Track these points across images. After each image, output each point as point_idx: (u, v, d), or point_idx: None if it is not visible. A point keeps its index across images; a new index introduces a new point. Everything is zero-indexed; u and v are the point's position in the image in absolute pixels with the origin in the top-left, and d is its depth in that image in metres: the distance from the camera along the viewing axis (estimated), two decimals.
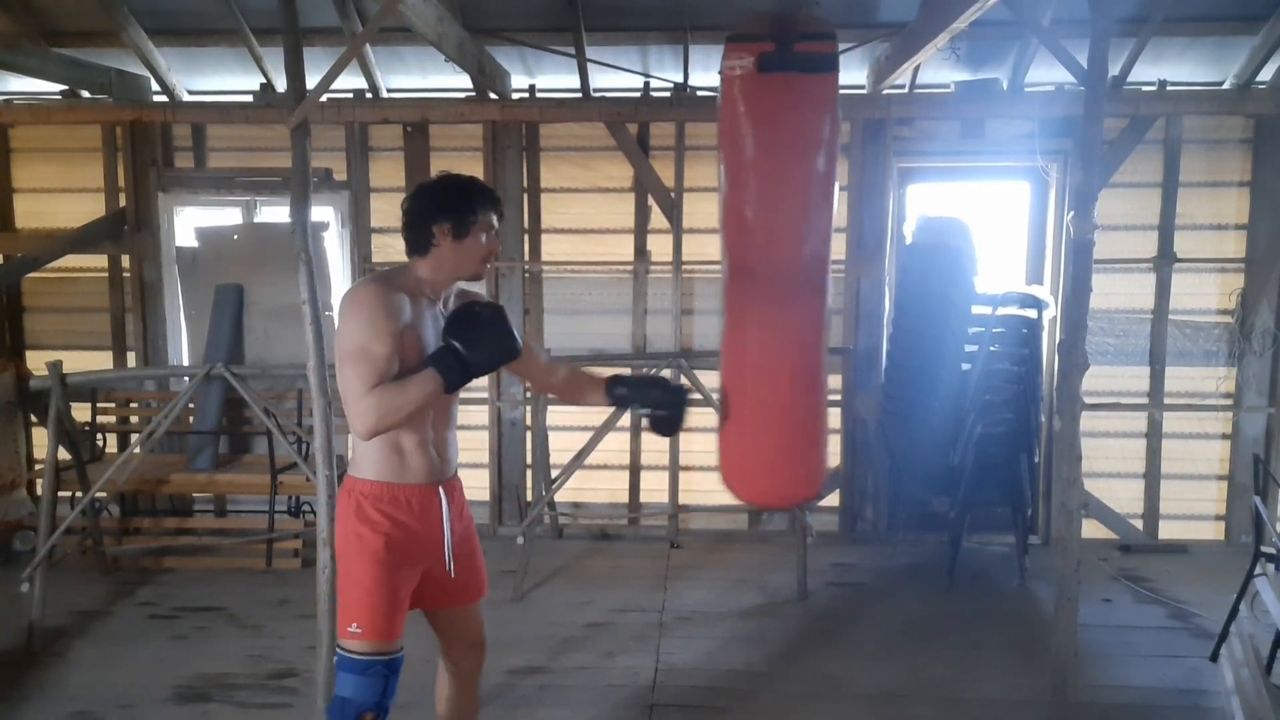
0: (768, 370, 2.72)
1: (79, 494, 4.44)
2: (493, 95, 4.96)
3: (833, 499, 5.25)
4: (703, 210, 5.11)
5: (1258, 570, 3.55)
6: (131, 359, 5.32)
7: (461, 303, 2.37)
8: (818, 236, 2.66)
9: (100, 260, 5.30)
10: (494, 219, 2.33)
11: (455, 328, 2.25)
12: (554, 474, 4.84)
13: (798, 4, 2.60)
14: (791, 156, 2.55)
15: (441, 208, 2.26)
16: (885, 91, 4.82)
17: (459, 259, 2.29)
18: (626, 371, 2.75)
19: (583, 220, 5.18)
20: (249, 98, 5.14)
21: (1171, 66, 4.79)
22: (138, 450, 4.53)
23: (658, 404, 2.61)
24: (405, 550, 2.31)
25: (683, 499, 5.22)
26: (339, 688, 2.28)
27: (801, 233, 2.62)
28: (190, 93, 5.25)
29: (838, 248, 4.97)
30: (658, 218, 5.11)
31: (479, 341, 2.23)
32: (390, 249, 5.22)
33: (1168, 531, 5.12)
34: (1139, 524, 5.13)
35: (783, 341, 2.71)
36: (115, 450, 5.03)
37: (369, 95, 5.10)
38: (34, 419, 4.95)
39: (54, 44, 4.88)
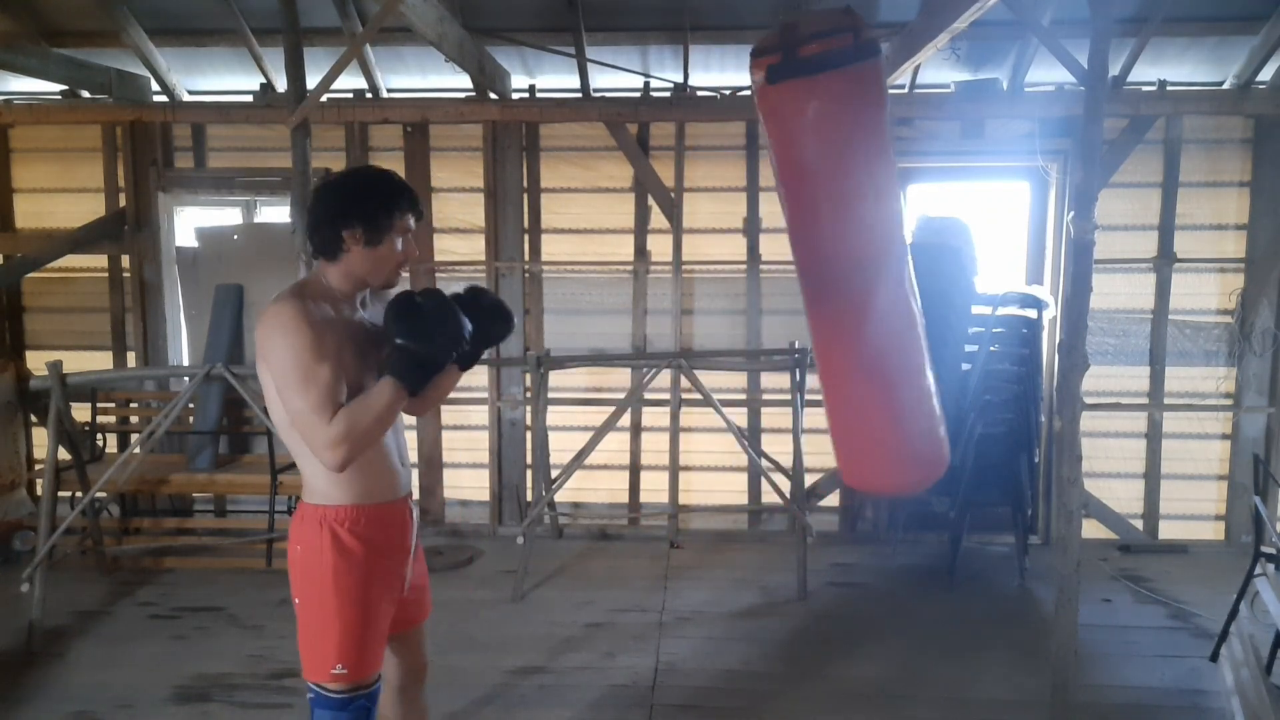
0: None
1: (79, 494, 4.44)
2: (493, 95, 4.96)
3: (833, 499, 5.25)
4: (702, 210, 5.11)
5: (1258, 570, 3.55)
6: (131, 359, 5.32)
7: (396, 295, 2.07)
8: (859, 231, 2.56)
9: (100, 260, 5.30)
10: (411, 221, 2.08)
11: (397, 324, 1.99)
12: (554, 474, 4.84)
13: (795, 5, 2.56)
14: (815, 159, 2.50)
15: (352, 210, 2.01)
16: (888, 92, 4.81)
17: (371, 266, 2.05)
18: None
19: (583, 220, 5.18)
20: (249, 98, 5.14)
21: (1171, 66, 4.79)
22: (138, 450, 4.53)
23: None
24: (385, 578, 2.15)
25: (683, 499, 5.22)
26: None
27: (834, 232, 2.55)
28: (190, 93, 5.25)
29: None
30: (658, 218, 5.11)
31: (426, 331, 1.99)
32: None
33: (1168, 531, 5.12)
34: (1139, 524, 5.13)
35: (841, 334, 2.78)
36: (115, 450, 5.03)
37: (369, 95, 5.11)
38: (34, 419, 4.96)
39: (54, 44, 4.88)
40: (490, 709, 3.34)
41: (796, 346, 4.58)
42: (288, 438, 2.10)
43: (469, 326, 2.07)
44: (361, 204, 2.02)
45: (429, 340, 2.00)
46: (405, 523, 2.21)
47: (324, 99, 3.13)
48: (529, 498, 5.23)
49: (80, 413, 4.90)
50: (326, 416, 1.94)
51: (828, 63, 2.41)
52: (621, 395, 5.01)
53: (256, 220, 5.35)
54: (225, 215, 5.40)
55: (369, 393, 1.98)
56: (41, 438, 4.42)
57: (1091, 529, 5.04)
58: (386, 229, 2.03)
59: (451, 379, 2.18)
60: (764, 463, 4.87)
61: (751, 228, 5.09)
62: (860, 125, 2.50)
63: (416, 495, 2.39)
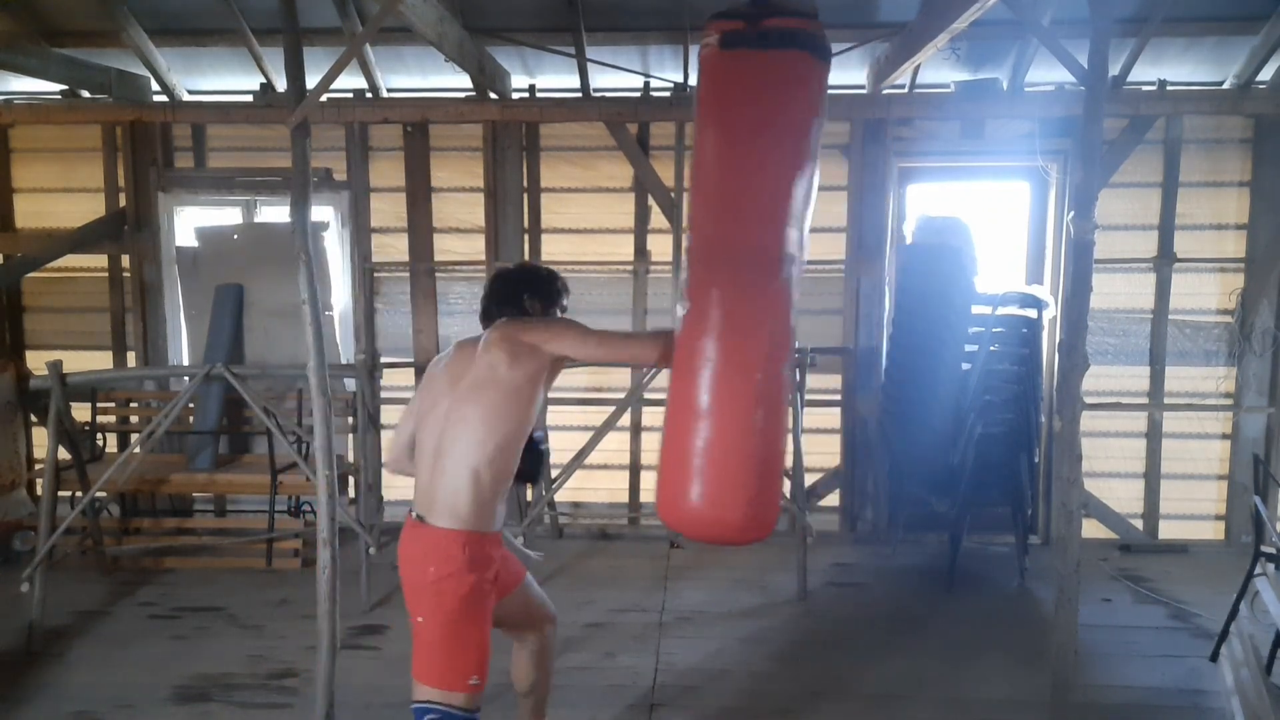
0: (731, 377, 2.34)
1: (79, 494, 4.44)
2: (493, 95, 4.96)
3: (833, 499, 5.25)
4: None
5: (1258, 570, 3.55)
6: (131, 359, 5.32)
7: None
8: (766, 221, 2.40)
9: (100, 260, 5.30)
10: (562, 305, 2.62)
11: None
12: (554, 474, 4.84)
13: None
14: (747, 134, 2.42)
15: (543, 290, 2.56)
16: (885, 91, 4.82)
17: None
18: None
19: (583, 220, 5.18)
20: (249, 98, 5.14)
21: (1171, 66, 4.79)
22: (138, 450, 4.53)
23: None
24: (489, 590, 2.40)
25: None
26: None
27: (746, 214, 2.40)
28: (190, 93, 5.24)
29: (836, 247, 5.04)
30: (658, 217, 5.11)
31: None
32: (390, 249, 5.22)
33: (1168, 531, 5.12)
34: (1139, 524, 5.13)
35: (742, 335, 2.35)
36: (115, 450, 5.02)
37: (369, 95, 5.10)
38: (34, 419, 4.96)
39: (54, 44, 4.88)
40: (490, 708, 3.31)
41: (796, 346, 4.57)
42: (464, 460, 2.32)
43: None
44: (549, 288, 2.58)
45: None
46: (502, 549, 2.52)
47: (324, 99, 3.12)
48: (529, 497, 5.23)
49: (80, 412, 4.90)
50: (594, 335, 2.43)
51: (785, 41, 2.37)
52: (621, 395, 5.01)
53: (256, 220, 5.35)
54: (225, 215, 5.40)
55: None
56: (41, 437, 4.42)
57: (1091, 529, 5.04)
58: (555, 307, 2.57)
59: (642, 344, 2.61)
60: None
61: None
62: (789, 114, 2.41)
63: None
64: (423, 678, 2.31)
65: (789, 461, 4.64)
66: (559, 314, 2.58)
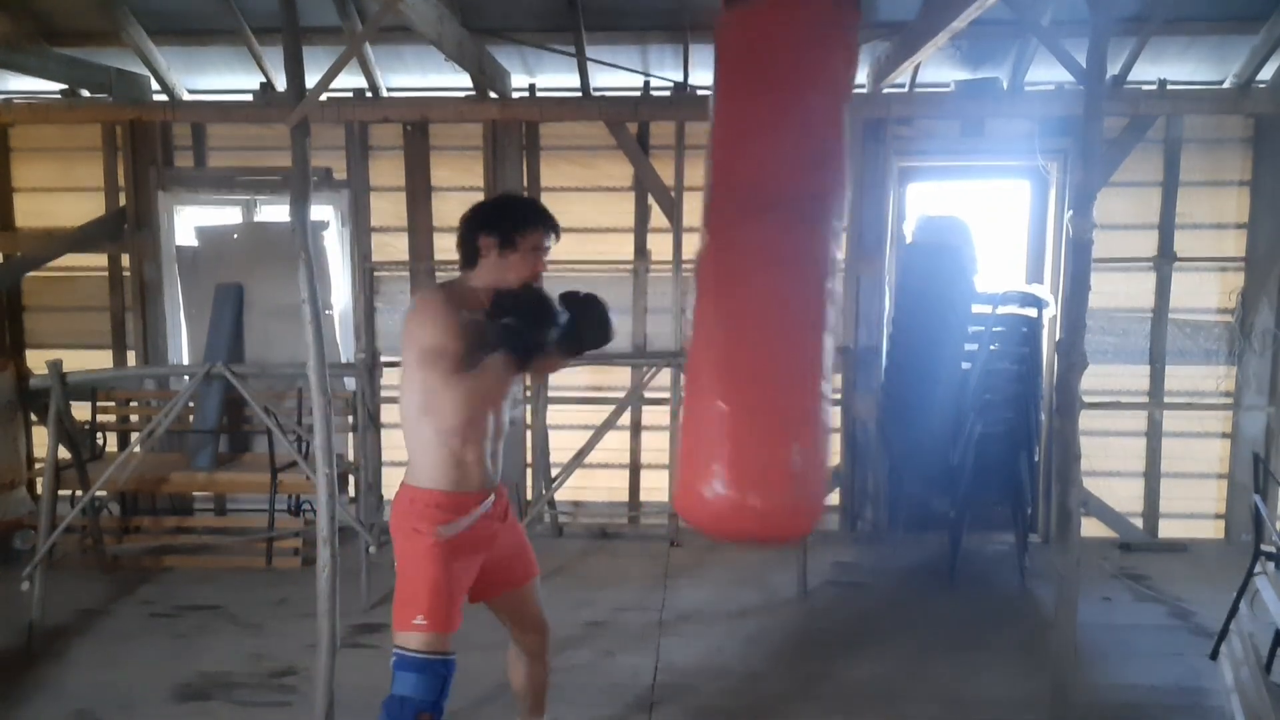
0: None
1: (79, 493, 4.44)
2: (493, 94, 4.96)
3: (833, 498, 5.25)
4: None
5: (1257, 569, 3.55)
6: (131, 358, 5.32)
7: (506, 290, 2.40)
8: (793, 169, 2.20)
9: (100, 259, 5.30)
10: (545, 239, 2.42)
11: (500, 309, 2.32)
12: (554, 472, 4.84)
13: None
14: (761, 87, 2.32)
15: (490, 221, 2.39)
16: (885, 90, 4.82)
17: (502, 273, 2.39)
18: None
19: (583, 219, 5.18)
20: (249, 97, 5.14)
21: (1171, 66, 4.79)
22: (138, 449, 4.53)
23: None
24: (465, 553, 2.43)
25: None
26: (396, 687, 2.33)
27: (754, 152, 2.27)
28: (190, 92, 5.24)
29: None
30: (658, 217, 5.11)
31: (524, 311, 2.30)
32: (390, 248, 5.22)
33: (1167, 530, 5.13)
34: (1139, 522, 5.13)
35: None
36: (115, 449, 5.02)
37: (369, 94, 5.10)
38: (34, 418, 4.96)
39: (54, 43, 4.88)
40: (491, 708, 3.34)
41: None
42: (408, 424, 2.39)
43: (562, 316, 2.36)
44: (499, 217, 2.41)
45: (520, 314, 2.29)
46: (485, 509, 2.48)
47: (324, 98, 3.12)
48: (529, 496, 5.23)
49: (80, 411, 4.89)
50: (454, 378, 2.27)
51: None
52: (621, 394, 5.01)
53: (256, 219, 5.35)
54: (225, 214, 5.40)
55: (482, 367, 2.30)
56: (41, 436, 4.42)
57: (1091, 527, 5.04)
58: (518, 239, 2.38)
59: (552, 362, 2.51)
60: None
61: None
62: (817, 58, 2.29)
63: None
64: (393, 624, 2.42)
65: None
66: (532, 250, 2.40)
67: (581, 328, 2.45)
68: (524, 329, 2.31)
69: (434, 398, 2.31)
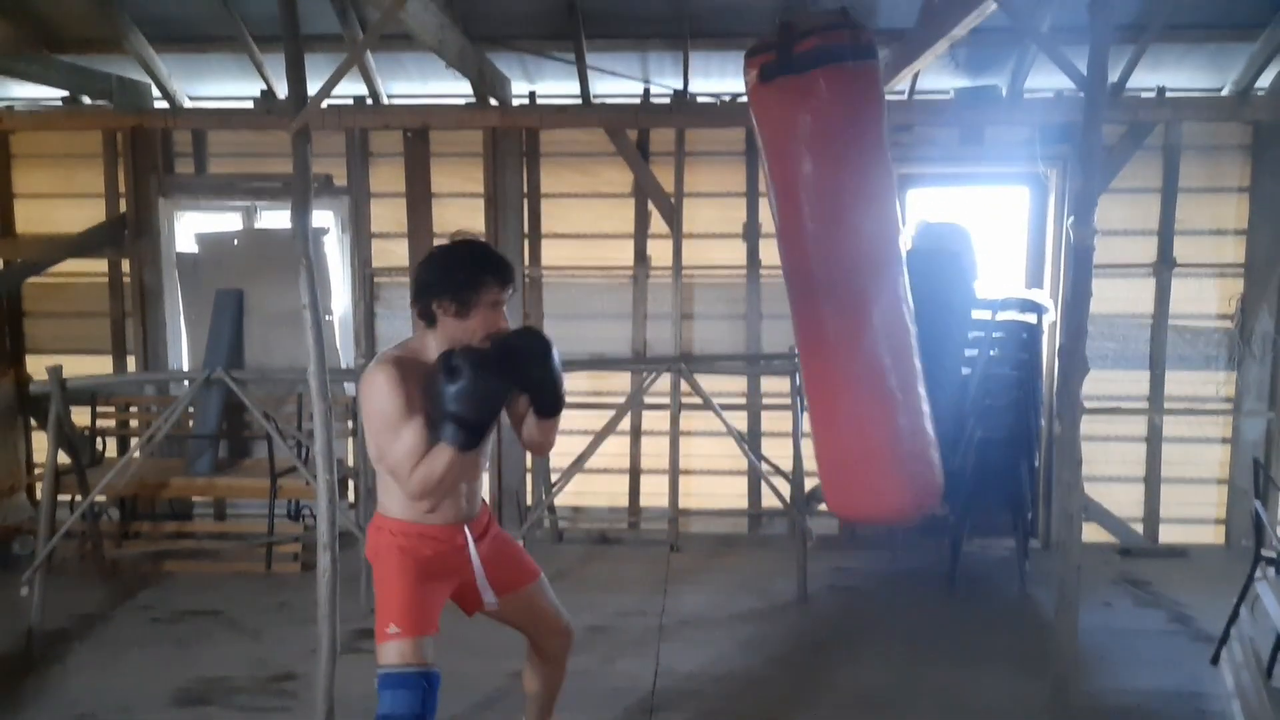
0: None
1: (79, 498, 4.44)
2: (493, 101, 4.97)
3: None
4: (702, 215, 5.12)
5: (1258, 574, 3.55)
6: (131, 364, 5.32)
7: (440, 359, 2.27)
8: (850, 235, 2.46)
9: (101, 265, 5.31)
10: (502, 293, 2.31)
11: (437, 389, 2.21)
12: (553, 478, 4.84)
13: (793, 7, 2.53)
14: (808, 158, 2.43)
15: (444, 285, 2.27)
16: (885, 98, 4.82)
17: (462, 334, 2.31)
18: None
19: (583, 225, 5.19)
20: (250, 104, 5.15)
21: (1170, 73, 4.81)
22: (137, 454, 4.53)
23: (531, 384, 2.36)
24: (430, 566, 2.42)
25: (683, 503, 5.21)
26: (380, 707, 2.29)
27: (824, 234, 2.47)
28: (191, 99, 5.26)
29: None
30: (658, 223, 5.12)
31: (458, 395, 2.18)
32: (391, 254, 5.23)
33: (1168, 535, 5.12)
34: (1139, 528, 5.13)
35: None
36: (115, 454, 5.03)
37: (369, 101, 5.11)
38: (34, 423, 4.97)
39: (55, 51, 4.89)
40: (491, 713, 3.34)
41: (796, 351, 4.58)
42: (376, 465, 2.39)
43: (498, 391, 2.24)
44: (453, 280, 2.27)
45: (457, 400, 2.18)
46: (457, 545, 2.45)
47: (324, 105, 3.13)
48: (529, 502, 5.23)
49: (80, 417, 4.90)
50: (408, 468, 2.25)
51: (821, 59, 2.37)
52: (621, 399, 5.01)
53: (257, 226, 5.36)
54: (226, 221, 5.41)
55: (433, 454, 2.24)
56: (41, 442, 4.42)
57: (1092, 533, 5.04)
58: (474, 303, 2.28)
59: (445, 459, 2.24)
60: (764, 466, 4.87)
61: (751, 233, 5.10)
62: (854, 125, 2.44)
63: None
64: None
65: (788, 465, 4.65)
66: (491, 306, 2.29)
67: (527, 382, 2.33)
68: (463, 416, 2.20)
69: (395, 469, 2.30)
